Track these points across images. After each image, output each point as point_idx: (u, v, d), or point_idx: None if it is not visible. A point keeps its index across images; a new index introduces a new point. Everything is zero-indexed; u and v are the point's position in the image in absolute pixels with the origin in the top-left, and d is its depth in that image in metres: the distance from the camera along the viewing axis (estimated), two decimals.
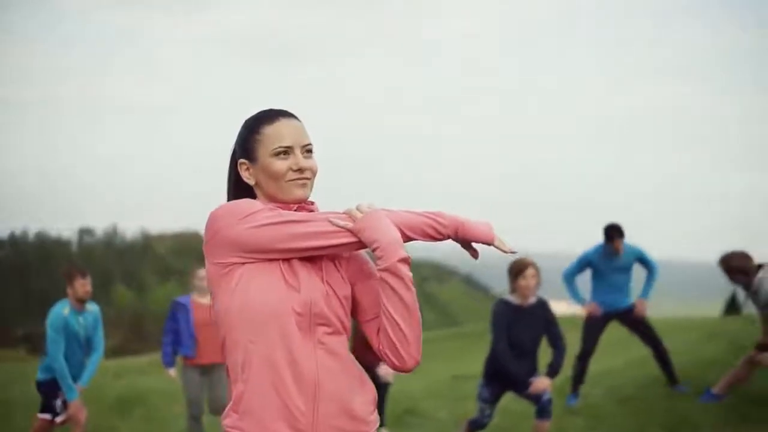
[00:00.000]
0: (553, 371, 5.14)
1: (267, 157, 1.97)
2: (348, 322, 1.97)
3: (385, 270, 1.87)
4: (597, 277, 6.98)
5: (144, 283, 63.44)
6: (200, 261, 6.42)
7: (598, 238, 6.93)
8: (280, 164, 1.96)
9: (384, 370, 5.91)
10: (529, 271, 5.10)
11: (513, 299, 5.19)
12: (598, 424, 6.23)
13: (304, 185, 1.99)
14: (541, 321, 5.19)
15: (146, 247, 72.39)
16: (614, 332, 7.30)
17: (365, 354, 4.95)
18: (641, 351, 9.29)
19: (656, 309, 7.21)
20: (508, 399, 5.57)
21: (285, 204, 1.98)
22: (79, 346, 5.56)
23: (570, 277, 7.02)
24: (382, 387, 5.94)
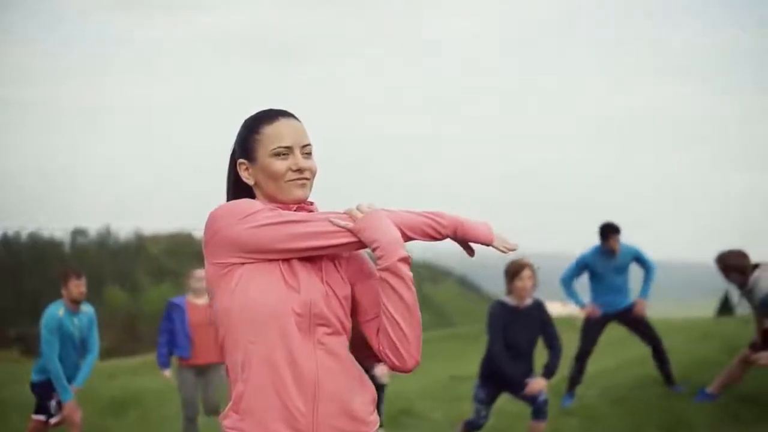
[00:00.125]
0: (549, 372, 5.15)
1: (266, 157, 1.96)
2: (348, 323, 1.97)
3: (386, 269, 1.87)
4: (595, 279, 6.98)
5: (138, 284, 63.23)
6: (195, 262, 6.43)
7: (598, 239, 6.93)
8: (280, 164, 1.96)
9: (380, 371, 5.91)
10: (526, 273, 5.10)
11: (509, 300, 5.19)
12: (593, 425, 6.23)
13: (303, 185, 1.98)
14: (537, 322, 5.20)
15: (140, 247, 72.17)
16: (609, 333, 7.31)
17: (360, 355, 4.94)
18: (636, 351, 9.30)
19: (651, 309, 7.21)
20: (504, 400, 5.57)
21: (284, 204, 1.98)
22: (73, 348, 5.55)
23: (568, 280, 7.02)
24: (378, 388, 5.94)
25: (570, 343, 6.68)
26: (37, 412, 5.57)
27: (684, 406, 6.32)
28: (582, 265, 6.98)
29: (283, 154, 1.96)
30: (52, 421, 5.54)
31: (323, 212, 1.97)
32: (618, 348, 9.31)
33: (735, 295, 6.17)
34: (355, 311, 2.01)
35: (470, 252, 2.07)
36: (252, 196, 2.03)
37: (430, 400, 7.99)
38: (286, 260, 1.90)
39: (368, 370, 5.88)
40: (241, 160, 2.02)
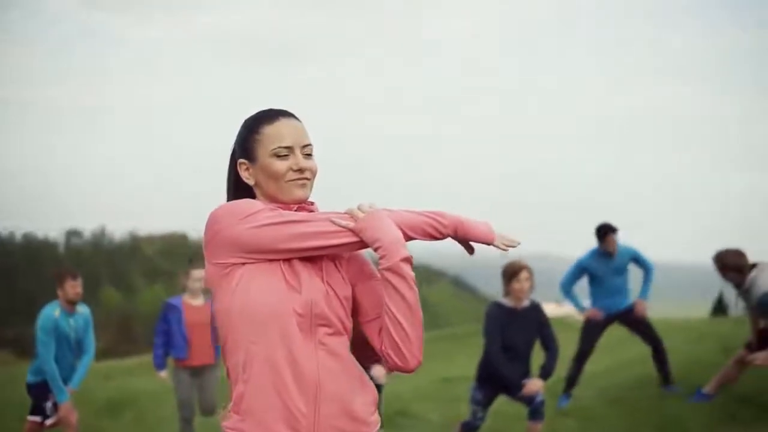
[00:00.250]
0: (546, 373, 5.15)
1: (267, 157, 1.96)
2: (349, 323, 1.96)
3: (388, 269, 1.87)
4: (594, 282, 6.98)
5: (132, 285, 63.16)
6: (189, 263, 6.41)
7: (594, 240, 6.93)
8: (280, 164, 1.95)
9: (377, 372, 5.90)
10: (523, 274, 5.10)
11: (507, 302, 5.19)
12: (589, 426, 6.24)
13: (303, 185, 1.98)
14: (534, 323, 5.20)
15: (134, 248, 72.08)
16: (606, 334, 7.29)
17: (358, 355, 4.94)
18: (632, 352, 9.32)
19: (649, 310, 7.21)
20: (500, 401, 5.57)
21: (285, 204, 1.97)
22: (69, 348, 5.52)
23: (568, 286, 7.01)
24: (376, 389, 5.93)
25: (565, 344, 6.69)
26: (32, 413, 5.55)
27: (680, 406, 6.33)
28: (581, 269, 6.98)
29: (284, 155, 1.96)
30: (48, 422, 5.52)
31: (324, 212, 1.97)
32: (614, 349, 9.33)
33: (731, 295, 6.17)
34: (355, 311, 2.00)
35: (470, 251, 2.07)
36: (252, 196, 2.02)
37: (425, 401, 7.99)
38: (287, 260, 1.90)
39: (365, 371, 5.87)
40: (241, 160, 2.01)
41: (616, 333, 7.27)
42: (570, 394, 6.99)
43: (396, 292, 1.87)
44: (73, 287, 5.47)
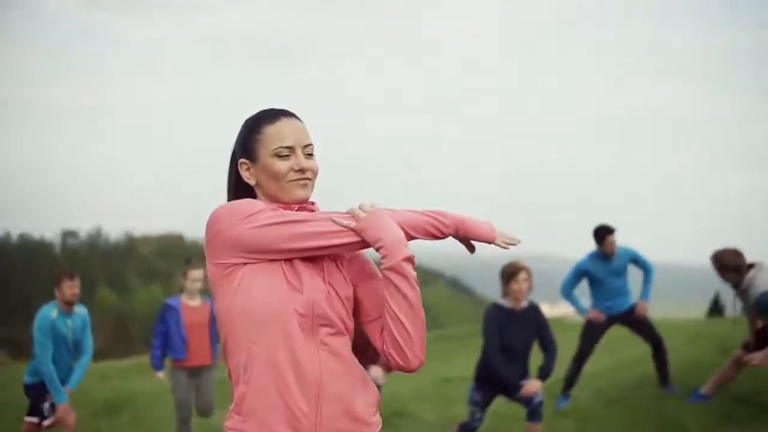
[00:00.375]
0: (544, 374, 5.15)
1: (268, 157, 1.95)
2: (350, 323, 1.96)
3: (390, 269, 1.86)
4: (594, 284, 6.97)
5: (128, 286, 63.03)
6: (187, 263, 6.40)
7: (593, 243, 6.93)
8: (282, 164, 1.95)
9: (375, 373, 5.90)
10: (522, 275, 5.10)
11: (505, 303, 5.19)
12: (587, 426, 6.24)
13: (305, 186, 1.97)
14: (532, 325, 5.20)
15: (130, 249, 71.92)
16: (605, 334, 7.32)
17: (357, 356, 4.93)
18: (630, 352, 9.33)
19: (650, 311, 7.22)
20: (498, 402, 5.57)
21: (286, 204, 1.97)
22: (66, 349, 5.51)
23: (568, 289, 7.00)
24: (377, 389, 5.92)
25: (562, 345, 6.68)
26: (29, 414, 5.54)
27: (677, 406, 6.34)
28: (580, 273, 6.97)
29: (285, 155, 1.95)
30: (45, 423, 5.50)
31: (325, 212, 1.96)
32: (613, 349, 9.33)
33: (728, 295, 6.18)
34: (357, 311, 2.00)
35: (472, 250, 2.07)
36: (253, 196, 2.02)
37: (423, 402, 7.98)
38: (289, 260, 1.89)
39: None
40: (242, 160, 2.01)
41: (615, 333, 7.27)
42: (568, 395, 6.99)
43: (398, 291, 1.87)
44: (71, 288, 5.46)
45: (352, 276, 1.99)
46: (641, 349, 8.63)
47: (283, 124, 1.98)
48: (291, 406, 1.84)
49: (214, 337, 6.33)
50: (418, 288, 1.89)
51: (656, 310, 7.11)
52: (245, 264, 1.87)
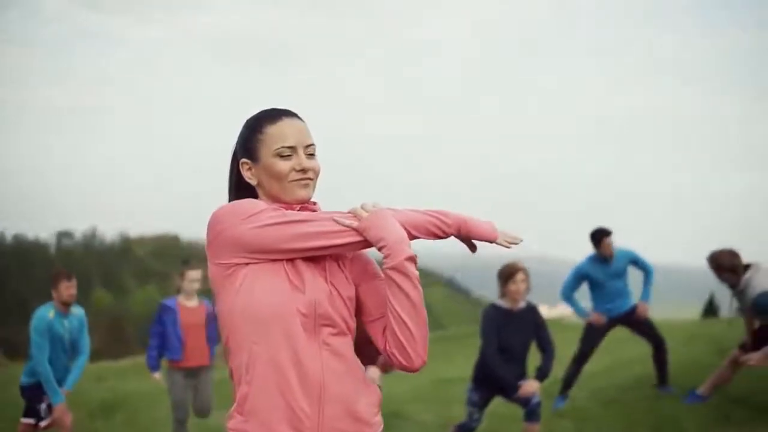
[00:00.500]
0: (542, 375, 5.14)
1: (269, 157, 1.95)
2: (352, 323, 1.95)
3: (393, 268, 1.85)
4: (595, 287, 6.96)
5: (123, 286, 62.92)
6: (185, 264, 6.38)
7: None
8: (283, 164, 1.94)
9: (373, 373, 5.89)
10: (519, 276, 5.10)
11: (503, 303, 5.19)
12: (585, 427, 6.24)
13: (306, 186, 1.97)
14: (530, 325, 5.19)
15: (126, 249, 71.81)
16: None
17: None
18: (628, 353, 9.33)
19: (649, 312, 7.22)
20: (496, 402, 5.57)
21: (288, 204, 1.96)
22: (63, 350, 5.50)
23: (569, 293, 6.99)
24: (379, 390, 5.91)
25: (559, 346, 6.68)
26: (26, 415, 5.52)
27: (674, 407, 6.34)
28: (580, 276, 6.96)
29: (287, 155, 1.95)
30: (42, 424, 5.49)
31: (327, 212, 1.95)
32: (611, 349, 9.33)
33: (723, 296, 6.18)
34: (359, 311, 1.99)
35: (473, 249, 2.07)
36: (254, 196, 2.01)
37: (420, 403, 7.98)
38: (291, 260, 1.88)
39: None
40: (243, 160, 2.00)
41: (613, 334, 7.26)
42: (566, 395, 6.99)
43: (400, 291, 1.86)
44: (68, 288, 5.44)
45: (354, 276, 1.99)
46: (639, 349, 8.64)
47: (285, 124, 1.97)
48: (293, 407, 1.83)
49: (212, 337, 6.33)
50: (420, 288, 1.88)
51: (654, 312, 7.11)
52: (247, 264, 1.86)
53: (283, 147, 1.94)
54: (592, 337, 7.00)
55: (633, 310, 6.94)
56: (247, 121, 2.03)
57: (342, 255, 1.97)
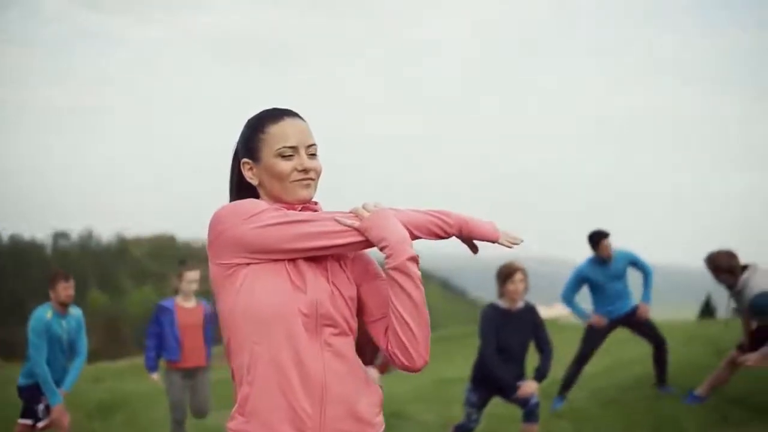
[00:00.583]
0: (540, 375, 5.14)
1: (271, 157, 1.94)
2: (354, 323, 1.95)
3: (395, 269, 1.85)
4: (595, 290, 6.96)
5: (120, 287, 62.83)
6: (182, 264, 6.37)
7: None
8: (285, 164, 1.93)
9: (371, 373, 5.89)
10: (518, 276, 5.10)
11: (501, 303, 5.18)
12: (584, 427, 6.24)
13: (308, 186, 1.96)
14: (529, 325, 5.19)
15: (122, 250, 71.70)
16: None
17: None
18: (627, 353, 9.33)
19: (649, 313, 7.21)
20: (494, 403, 5.57)
21: (289, 204, 1.95)
22: (61, 351, 5.48)
23: (569, 296, 6.99)
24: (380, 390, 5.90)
25: (555, 346, 6.69)
26: (23, 416, 5.50)
27: (674, 407, 6.35)
28: (580, 279, 6.95)
29: (288, 155, 1.94)
30: (40, 425, 5.47)
31: (329, 212, 1.95)
32: (610, 349, 9.33)
33: (720, 297, 6.18)
34: (360, 311, 1.99)
35: (475, 250, 2.06)
36: (255, 196, 2.00)
37: (419, 403, 7.98)
38: (292, 260, 1.88)
39: None
40: (245, 160, 1.99)
41: (613, 334, 7.25)
42: (565, 396, 6.98)
43: (403, 291, 1.86)
44: (66, 289, 5.43)
45: (355, 276, 1.98)
46: (638, 350, 8.64)
47: (287, 123, 1.96)
48: (295, 407, 1.83)
49: (209, 338, 6.32)
50: (422, 288, 1.88)
51: (652, 312, 7.11)
52: (248, 264, 1.85)
53: (284, 147, 1.94)
54: (593, 338, 6.99)
55: (634, 311, 6.93)
56: (249, 121, 2.02)
57: (343, 255, 1.97)
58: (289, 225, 1.85)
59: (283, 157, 1.94)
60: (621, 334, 7.45)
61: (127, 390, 9.83)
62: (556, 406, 6.84)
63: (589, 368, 7.19)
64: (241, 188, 2.03)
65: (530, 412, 5.12)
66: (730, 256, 5.84)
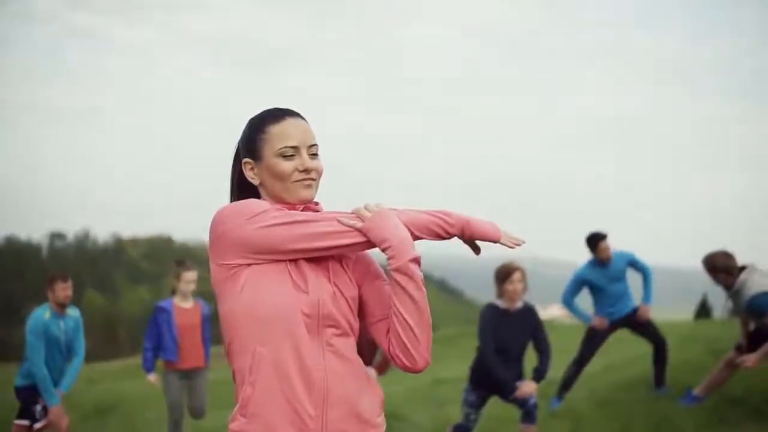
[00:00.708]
0: (539, 376, 5.14)
1: (272, 157, 1.94)
2: (356, 324, 1.94)
3: (397, 270, 1.84)
4: (595, 292, 6.95)
5: (116, 288, 62.72)
6: (181, 265, 6.36)
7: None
8: (286, 164, 1.93)
9: (370, 373, 5.88)
10: (516, 276, 5.10)
11: (500, 304, 5.18)
12: (581, 427, 6.24)
13: (309, 186, 1.96)
14: (527, 326, 5.19)
15: (118, 251, 71.59)
16: None
17: None
18: (625, 353, 9.34)
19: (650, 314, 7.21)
20: (492, 403, 5.57)
21: (290, 204, 1.95)
22: (59, 351, 5.47)
23: (570, 299, 6.98)
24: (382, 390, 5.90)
25: (556, 347, 6.69)
26: (20, 417, 5.48)
27: (671, 408, 6.35)
28: (580, 282, 6.94)
29: (290, 155, 1.93)
30: (37, 426, 5.45)
31: (331, 212, 1.94)
32: (609, 350, 9.33)
33: (715, 298, 6.19)
34: (362, 312, 1.98)
35: (477, 251, 2.05)
36: (256, 196, 2.00)
37: (415, 404, 7.98)
38: (294, 261, 1.87)
39: None
40: (246, 160, 1.99)
41: (613, 334, 7.27)
42: (562, 397, 6.98)
43: (404, 292, 1.85)
44: (64, 290, 5.42)
45: (357, 276, 1.98)
46: (635, 350, 8.65)
47: (288, 123, 1.96)
48: (297, 408, 1.82)
49: (207, 339, 6.31)
50: (424, 289, 1.87)
51: (652, 313, 7.11)
52: (250, 265, 1.85)
53: (286, 147, 1.93)
54: (593, 341, 6.99)
55: (634, 312, 6.93)
56: (250, 121, 2.01)
57: (345, 255, 1.96)
58: (292, 225, 1.85)
59: (285, 157, 1.93)
60: (618, 334, 7.45)
61: (122, 391, 9.82)
62: (554, 406, 6.84)
63: (586, 368, 7.19)
64: (242, 188, 2.02)
65: (528, 413, 5.11)
66: (728, 256, 5.85)
